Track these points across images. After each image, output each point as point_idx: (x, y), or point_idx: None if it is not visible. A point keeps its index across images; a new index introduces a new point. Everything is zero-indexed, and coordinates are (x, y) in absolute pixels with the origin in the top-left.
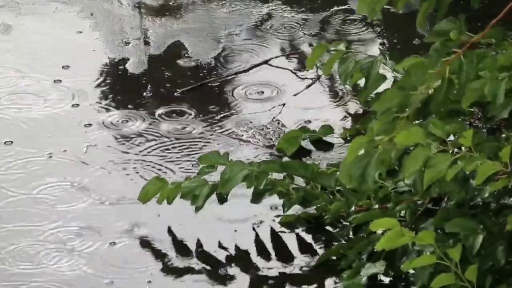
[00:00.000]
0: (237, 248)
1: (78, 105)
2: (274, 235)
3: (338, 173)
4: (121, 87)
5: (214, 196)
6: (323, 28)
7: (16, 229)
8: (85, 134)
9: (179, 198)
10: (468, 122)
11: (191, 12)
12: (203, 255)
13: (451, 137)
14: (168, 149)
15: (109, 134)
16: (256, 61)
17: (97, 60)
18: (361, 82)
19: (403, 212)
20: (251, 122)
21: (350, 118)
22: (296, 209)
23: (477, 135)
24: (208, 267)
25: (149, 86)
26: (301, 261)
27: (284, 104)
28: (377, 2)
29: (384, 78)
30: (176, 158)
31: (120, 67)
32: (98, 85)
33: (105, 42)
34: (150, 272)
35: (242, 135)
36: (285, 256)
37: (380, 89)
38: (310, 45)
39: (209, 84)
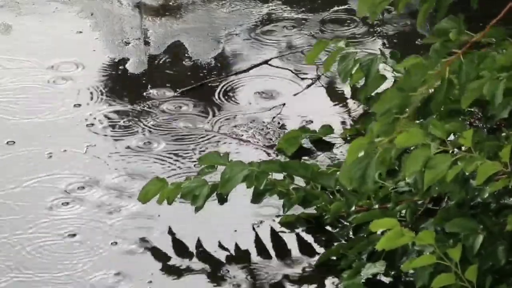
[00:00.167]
0: (237, 248)
1: (78, 105)
2: (274, 235)
3: (338, 173)
4: (121, 87)
5: (214, 196)
6: (323, 28)
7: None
8: (85, 134)
9: (179, 198)
10: (468, 122)
11: (191, 12)
12: (203, 255)
13: (451, 137)
14: (168, 149)
15: (109, 134)
16: (256, 61)
17: (97, 60)
18: (361, 81)
19: (403, 212)
20: (251, 122)
21: (350, 118)
22: (296, 209)
23: (477, 134)
24: (208, 267)
25: (149, 86)
26: (301, 261)
27: (284, 104)
28: (378, 4)
29: (384, 78)
30: (176, 157)
31: (120, 67)
32: (98, 85)
33: (105, 42)
34: (150, 272)
35: (242, 135)
36: (285, 256)
37: (380, 89)
38: (310, 45)
39: (209, 84)
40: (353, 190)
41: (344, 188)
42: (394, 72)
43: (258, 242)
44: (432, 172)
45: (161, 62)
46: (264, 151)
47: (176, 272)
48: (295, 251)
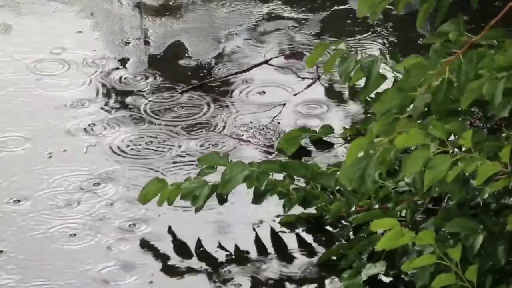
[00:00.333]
0: (237, 248)
1: (78, 105)
2: (274, 235)
3: (338, 173)
4: (121, 87)
5: (214, 196)
6: (323, 28)
7: None
8: (85, 134)
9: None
10: (468, 122)
11: (191, 12)
12: (203, 255)
13: (451, 137)
14: (168, 149)
15: (109, 134)
16: (256, 61)
17: (97, 60)
18: (361, 81)
19: (403, 212)
20: (251, 122)
21: (350, 118)
22: (296, 209)
23: (477, 134)
24: (208, 267)
25: (149, 86)
26: (301, 261)
27: (284, 104)
28: (378, 4)
29: (384, 78)
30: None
31: (120, 67)
32: (98, 85)
33: (105, 42)
34: (151, 272)
35: (242, 135)
36: (285, 256)
37: (380, 89)
38: (310, 45)
39: (209, 84)
40: (353, 190)
41: (344, 188)
42: (394, 72)
43: (258, 242)
44: (432, 173)
45: (161, 62)
46: (264, 151)
47: (176, 272)
48: (295, 251)
